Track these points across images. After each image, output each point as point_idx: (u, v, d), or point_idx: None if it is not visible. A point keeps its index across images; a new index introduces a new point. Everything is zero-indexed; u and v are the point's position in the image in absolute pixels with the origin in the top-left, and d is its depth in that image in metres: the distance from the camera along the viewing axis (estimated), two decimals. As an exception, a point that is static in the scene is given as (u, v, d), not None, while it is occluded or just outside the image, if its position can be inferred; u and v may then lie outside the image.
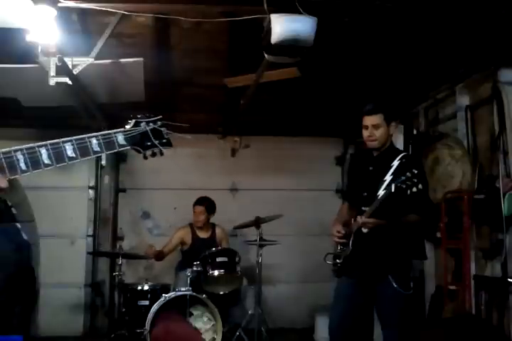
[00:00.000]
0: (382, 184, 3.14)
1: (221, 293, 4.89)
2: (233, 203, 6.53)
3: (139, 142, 2.08)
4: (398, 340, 3.25)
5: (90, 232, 6.33)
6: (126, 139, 2.03)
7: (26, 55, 3.87)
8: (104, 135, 1.98)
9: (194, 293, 4.61)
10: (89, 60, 3.96)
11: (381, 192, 3.11)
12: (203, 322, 4.71)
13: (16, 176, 1.83)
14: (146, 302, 4.69)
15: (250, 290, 5.52)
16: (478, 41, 3.88)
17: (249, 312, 5.11)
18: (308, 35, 3.18)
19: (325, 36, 3.33)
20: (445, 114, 4.96)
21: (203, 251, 4.95)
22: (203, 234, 5.55)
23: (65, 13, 3.49)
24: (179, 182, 6.44)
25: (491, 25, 3.61)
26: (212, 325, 4.69)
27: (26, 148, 1.84)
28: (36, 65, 3.95)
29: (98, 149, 1.97)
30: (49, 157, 1.87)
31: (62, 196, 6.14)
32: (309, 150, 6.63)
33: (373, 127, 3.25)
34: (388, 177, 3.15)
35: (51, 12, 3.06)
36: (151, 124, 2.10)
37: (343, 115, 5.69)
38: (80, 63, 3.96)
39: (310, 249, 6.00)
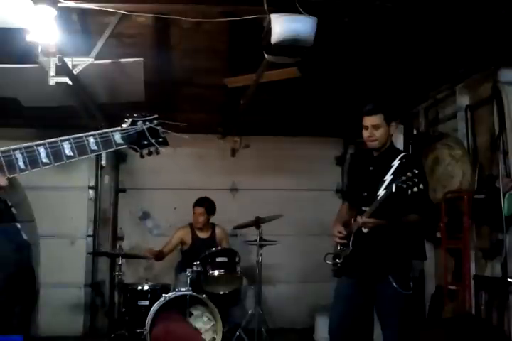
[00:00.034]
0: (383, 184, 3.14)
1: (221, 293, 4.89)
2: (233, 203, 6.53)
3: (136, 141, 2.10)
4: (398, 340, 3.25)
5: (90, 232, 6.33)
6: (123, 138, 2.05)
7: (26, 55, 3.87)
8: (101, 134, 2.00)
9: (194, 293, 4.61)
10: (89, 60, 3.96)
11: (381, 192, 3.11)
12: (203, 322, 4.71)
13: (15, 175, 1.84)
14: (146, 302, 4.68)
15: (250, 290, 5.52)
16: (478, 41, 3.88)
17: (249, 312, 5.11)
18: (308, 35, 3.18)
19: (325, 36, 3.33)
20: (445, 114, 4.96)
21: (202, 251, 4.95)
22: (202, 234, 5.55)
23: (65, 13, 3.49)
24: (179, 182, 6.44)
25: (491, 25, 3.61)
26: (212, 325, 4.69)
27: (25, 147, 1.85)
28: (36, 65, 3.95)
29: (95, 148, 1.98)
30: (47, 156, 1.88)
31: (62, 196, 6.14)
32: (309, 150, 6.63)
33: (373, 127, 3.25)
34: (388, 177, 3.15)
35: (51, 12, 3.06)
36: (147, 123, 2.12)
37: (343, 115, 5.69)
38: (80, 63, 3.96)
39: (310, 249, 6.00)
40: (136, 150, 2.11)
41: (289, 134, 6.56)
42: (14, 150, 1.83)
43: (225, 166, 6.55)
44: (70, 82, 3.95)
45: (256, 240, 5.13)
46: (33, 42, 3.40)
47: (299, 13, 3.13)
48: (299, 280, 6.53)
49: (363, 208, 3.19)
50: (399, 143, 4.93)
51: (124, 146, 2.07)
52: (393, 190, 2.96)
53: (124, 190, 6.58)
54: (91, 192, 6.40)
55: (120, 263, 4.89)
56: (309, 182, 6.65)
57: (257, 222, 5.16)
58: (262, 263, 5.13)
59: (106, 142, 2.00)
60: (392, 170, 3.18)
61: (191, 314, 4.67)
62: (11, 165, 1.82)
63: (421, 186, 2.95)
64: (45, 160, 1.87)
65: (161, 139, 2.16)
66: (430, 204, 4.35)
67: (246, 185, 6.65)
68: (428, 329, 3.93)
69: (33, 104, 4.88)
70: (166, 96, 5.38)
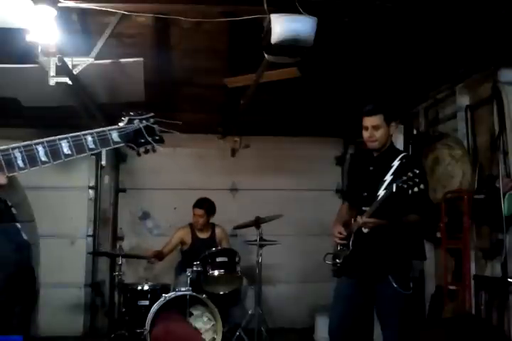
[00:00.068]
0: (383, 184, 3.14)
1: (221, 293, 4.89)
2: (233, 203, 6.53)
3: (133, 139, 2.11)
4: (398, 340, 3.25)
5: (90, 232, 6.33)
6: (120, 136, 2.06)
7: (26, 55, 3.87)
8: (98, 132, 2.01)
9: (194, 293, 4.61)
10: (89, 60, 3.96)
11: (381, 192, 3.11)
12: (203, 322, 4.71)
13: (14, 173, 1.85)
14: (146, 302, 4.68)
15: (250, 290, 5.52)
16: (478, 41, 3.88)
17: (249, 312, 5.11)
18: (308, 35, 3.18)
19: (325, 36, 3.33)
20: (445, 114, 4.96)
21: (202, 252, 4.95)
22: (202, 235, 5.55)
23: (65, 13, 3.49)
24: (179, 182, 6.44)
25: (491, 25, 3.61)
26: (212, 325, 4.69)
27: (23, 146, 1.86)
28: (36, 65, 3.95)
29: (93, 146, 2.00)
30: (46, 154, 1.89)
31: (62, 196, 6.14)
32: (309, 150, 6.63)
33: (373, 128, 3.25)
34: (388, 178, 3.15)
35: (51, 12, 3.06)
36: (144, 121, 2.13)
37: (343, 115, 5.69)
38: (80, 63, 3.96)
39: (310, 249, 6.00)
40: (133, 149, 2.12)
41: (289, 134, 6.56)
42: (13, 149, 1.84)
43: (225, 166, 6.55)
44: (70, 82, 3.95)
45: (256, 240, 5.12)
46: (33, 42, 3.40)
47: (299, 13, 3.13)
48: (299, 280, 6.53)
49: (363, 208, 3.19)
50: (399, 143, 4.92)
51: (122, 144, 2.08)
52: (394, 190, 2.96)
53: (124, 190, 6.58)
54: (91, 192, 6.40)
55: (120, 263, 4.89)
56: (309, 182, 6.65)
57: (257, 222, 5.15)
58: (262, 263, 5.13)
59: (103, 140, 2.02)
60: (392, 171, 3.18)
61: (191, 314, 4.67)
62: (10, 164, 1.83)
63: (421, 186, 2.95)
64: (43, 158, 1.89)
65: (157, 137, 2.16)
66: (430, 204, 4.35)
67: (246, 185, 6.65)
68: (428, 329, 3.93)
69: (33, 104, 4.88)
70: (166, 96, 5.38)
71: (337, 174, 6.87)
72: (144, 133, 2.12)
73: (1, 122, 5.61)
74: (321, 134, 6.60)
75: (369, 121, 3.26)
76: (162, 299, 4.52)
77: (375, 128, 3.25)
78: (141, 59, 4.15)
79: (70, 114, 5.13)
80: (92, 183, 6.40)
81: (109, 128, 2.05)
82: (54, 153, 1.90)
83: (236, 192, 6.69)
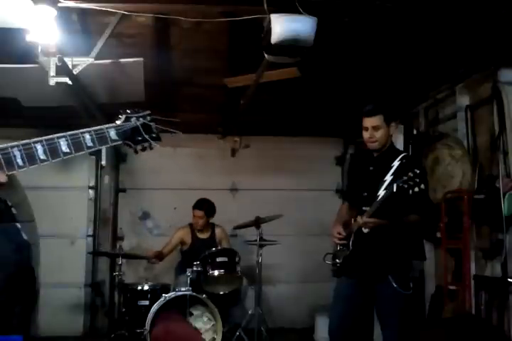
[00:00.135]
0: (383, 184, 3.14)
1: (221, 293, 4.89)
2: (233, 203, 6.54)
3: (130, 137, 2.12)
4: (398, 340, 3.25)
5: (90, 232, 6.33)
6: (118, 134, 2.08)
7: (26, 55, 3.86)
8: (96, 130, 2.02)
9: (194, 293, 4.61)
10: (89, 60, 3.96)
11: (381, 192, 3.11)
12: (203, 322, 4.71)
13: (14, 172, 1.85)
14: (146, 302, 4.68)
15: (250, 290, 5.52)
16: (478, 41, 3.88)
17: (249, 312, 5.11)
18: (308, 35, 3.18)
19: (325, 36, 3.33)
20: (445, 114, 4.96)
21: (202, 252, 4.95)
22: (202, 235, 5.55)
23: (65, 13, 3.49)
24: (179, 182, 6.44)
25: (491, 25, 3.61)
26: (212, 325, 4.69)
27: (22, 144, 1.87)
28: (36, 65, 3.95)
29: (91, 144, 2.01)
30: (44, 152, 1.90)
31: (62, 196, 6.14)
32: (309, 150, 6.64)
33: (373, 129, 3.25)
34: (389, 178, 3.15)
35: (51, 12, 3.06)
36: (141, 119, 2.14)
37: (343, 115, 5.69)
38: (80, 63, 3.96)
39: (310, 249, 6.00)
40: (130, 146, 2.14)
41: (289, 134, 6.56)
42: (12, 147, 1.85)
43: (225, 166, 6.56)
44: (70, 82, 3.95)
45: (256, 240, 5.13)
46: (33, 42, 3.40)
47: (299, 13, 3.13)
48: (299, 280, 6.54)
49: (364, 208, 3.19)
50: (399, 143, 4.92)
51: (119, 142, 2.09)
52: (394, 190, 2.95)
53: (124, 190, 6.58)
54: (91, 192, 6.40)
55: (120, 263, 4.89)
56: (309, 182, 6.65)
57: (257, 222, 5.16)
58: (262, 263, 5.13)
59: (101, 138, 2.03)
60: (392, 171, 3.18)
61: (191, 314, 4.67)
62: (10, 163, 1.84)
63: (422, 186, 2.95)
64: (42, 156, 1.90)
65: (154, 135, 2.18)
66: (430, 205, 4.35)
67: (246, 185, 6.65)
68: (428, 329, 3.93)
69: (33, 104, 4.88)
70: (166, 96, 5.38)
71: (337, 174, 6.87)
72: (141, 130, 2.13)
73: (1, 122, 5.61)
74: (321, 134, 6.60)
75: (369, 122, 3.26)
76: (162, 299, 4.52)
77: (375, 128, 3.25)
78: (141, 59, 4.15)
79: (70, 114, 5.13)
80: (92, 183, 6.40)
81: (107, 126, 2.06)
82: (53, 151, 1.92)
83: (236, 192, 6.69)
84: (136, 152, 2.17)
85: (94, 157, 6.30)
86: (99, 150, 5.79)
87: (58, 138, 1.94)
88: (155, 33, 4.28)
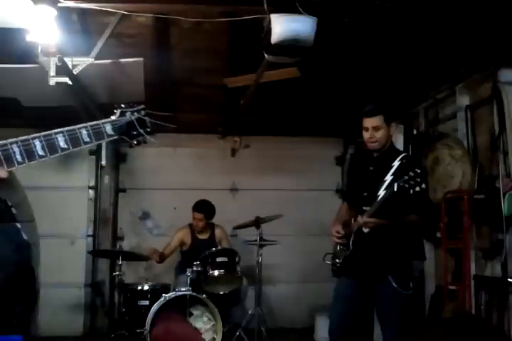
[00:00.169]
0: (383, 184, 3.14)
1: (221, 293, 4.89)
2: (233, 203, 6.54)
3: (126, 131, 2.15)
4: (398, 340, 3.25)
5: (90, 232, 6.33)
6: (113, 129, 2.10)
7: (26, 55, 3.87)
8: (93, 125, 2.05)
9: (194, 293, 4.61)
10: (89, 60, 3.96)
11: (382, 192, 3.10)
12: (203, 322, 4.71)
13: (13, 168, 1.87)
14: (146, 302, 4.68)
15: (250, 290, 5.52)
16: (478, 41, 3.88)
17: (249, 312, 5.11)
18: (308, 35, 3.18)
19: (325, 36, 3.33)
20: (445, 114, 4.96)
21: (202, 252, 4.95)
22: (202, 235, 5.55)
23: (65, 13, 3.49)
24: (179, 182, 6.44)
25: (491, 25, 3.61)
26: (212, 325, 4.69)
27: (21, 141, 1.90)
28: (36, 65, 3.95)
29: (88, 140, 2.03)
30: (43, 148, 1.92)
31: (62, 196, 6.13)
32: (309, 150, 6.64)
33: (374, 129, 3.25)
34: (389, 178, 3.15)
35: (51, 12, 3.06)
36: (135, 113, 2.16)
37: (343, 115, 5.69)
38: (80, 63, 3.96)
39: (310, 249, 5.99)
40: (126, 141, 2.15)
41: (289, 134, 6.56)
42: (11, 143, 1.87)
43: (225, 166, 6.55)
44: (70, 82, 3.95)
45: (256, 240, 5.13)
46: (33, 42, 3.40)
47: (299, 13, 3.13)
48: (299, 280, 6.53)
49: (364, 208, 3.19)
50: (399, 143, 4.92)
51: (115, 137, 2.12)
52: (395, 190, 2.95)
53: (124, 190, 6.58)
54: (91, 192, 6.40)
55: (120, 263, 4.89)
56: (309, 182, 6.65)
57: (257, 222, 5.16)
58: (262, 263, 5.14)
59: (98, 133, 2.06)
60: (392, 171, 3.18)
61: (191, 314, 4.67)
62: (9, 159, 1.86)
63: (423, 186, 2.94)
64: (41, 152, 1.92)
65: (148, 129, 2.20)
66: (431, 204, 4.35)
67: (246, 185, 6.65)
68: (428, 329, 3.93)
69: (33, 104, 4.88)
70: (166, 96, 5.38)
71: (337, 174, 6.87)
72: (136, 125, 2.15)
73: (1, 122, 5.61)
74: (321, 134, 6.60)
75: (369, 122, 3.26)
76: (162, 299, 4.52)
77: (376, 129, 3.24)
78: (141, 59, 4.15)
79: (70, 114, 5.11)
80: (92, 183, 6.40)
81: (103, 121, 2.09)
82: (51, 147, 1.94)
83: (236, 192, 6.69)
84: (131, 146, 2.21)
85: (94, 157, 6.31)
86: (99, 150, 5.81)
87: (56, 133, 1.96)
88: (155, 33, 4.29)
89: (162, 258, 5.35)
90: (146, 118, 2.18)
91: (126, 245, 6.09)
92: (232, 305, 5.20)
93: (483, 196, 4.10)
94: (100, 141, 2.08)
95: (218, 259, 4.90)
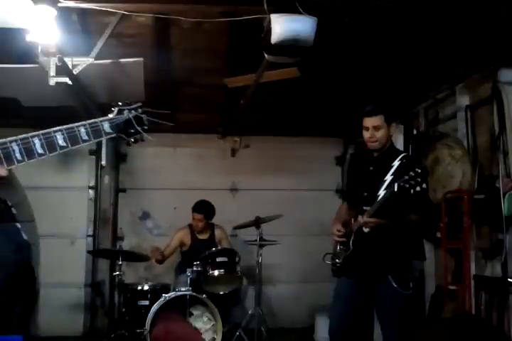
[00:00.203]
0: (383, 184, 3.14)
1: (221, 293, 4.89)
2: (233, 203, 6.54)
3: (124, 129, 2.15)
4: (398, 340, 3.25)
5: (90, 232, 6.33)
6: (111, 127, 2.11)
7: (26, 55, 3.87)
8: (91, 123, 2.06)
9: (194, 293, 4.61)
10: (89, 60, 3.96)
11: (382, 192, 3.10)
12: (203, 322, 4.71)
13: (13, 166, 1.88)
14: (146, 302, 4.68)
15: (250, 290, 5.52)
16: (478, 41, 3.88)
17: (249, 312, 5.11)
18: (308, 35, 3.18)
19: (325, 36, 3.33)
20: (445, 114, 4.96)
21: (202, 252, 4.94)
22: (202, 236, 5.55)
23: (65, 13, 3.49)
24: (179, 182, 6.44)
25: (491, 25, 3.61)
26: (212, 325, 4.69)
27: (20, 139, 1.91)
28: (36, 65, 3.95)
29: (86, 138, 2.04)
30: (42, 146, 1.93)
31: (62, 196, 6.13)
32: (309, 150, 6.64)
33: (374, 128, 3.25)
34: (389, 177, 3.15)
35: (51, 12, 3.06)
36: (133, 111, 2.17)
37: (343, 115, 5.69)
38: (80, 63, 3.96)
39: (310, 249, 5.99)
40: (124, 139, 2.16)
41: (289, 134, 6.56)
42: (10, 142, 1.88)
43: (225, 166, 6.55)
44: (70, 82, 3.95)
45: (256, 240, 5.13)
46: (33, 42, 3.40)
47: (299, 13, 3.13)
48: (299, 280, 6.53)
49: (364, 208, 3.19)
50: (399, 143, 4.92)
51: (113, 135, 2.13)
52: (395, 190, 2.95)
53: (124, 190, 6.58)
54: (91, 192, 6.40)
55: (120, 263, 4.89)
56: (309, 182, 6.65)
57: (257, 222, 5.16)
58: (262, 263, 5.14)
59: (96, 131, 2.07)
60: (392, 171, 3.18)
61: (191, 314, 4.67)
62: (9, 157, 1.87)
63: (423, 185, 2.94)
64: (40, 151, 1.93)
65: (146, 127, 2.21)
66: (431, 204, 4.35)
67: (246, 185, 6.65)
68: (428, 329, 3.93)
69: (33, 104, 4.88)
70: (166, 96, 5.38)
71: (337, 174, 6.87)
72: (134, 123, 2.16)
73: (1, 122, 5.60)
74: (321, 134, 6.60)
75: (370, 122, 3.26)
76: (162, 299, 4.52)
77: (376, 128, 3.24)
78: (141, 59, 4.15)
79: (70, 114, 5.10)
80: (92, 183, 6.40)
81: (101, 119, 2.10)
82: (50, 145, 1.95)
83: (236, 192, 6.69)
84: (128, 144, 2.22)
85: (94, 157, 6.31)
86: (99, 150, 5.81)
87: (55, 132, 1.97)
88: (155, 33, 4.29)
89: (162, 258, 5.34)
90: (143, 116, 2.19)
91: (126, 245, 6.10)
92: (232, 305, 5.20)
93: (483, 196, 4.10)
94: (98, 139, 2.09)
95: (218, 259, 4.90)
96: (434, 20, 3.64)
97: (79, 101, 4.82)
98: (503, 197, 3.84)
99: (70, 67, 3.91)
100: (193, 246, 5.49)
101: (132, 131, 2.17)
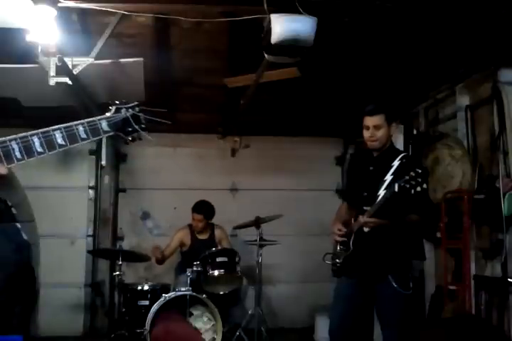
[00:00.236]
0: (383, 184, 3.14)
1: (221, 293, 4.88)
2: (233, 203, 6.53)
3: (121, 128, 2.18)
4: (398, 340, 3.24)
5: (90, 232, 6.33)
6: (109, 125, 2.13)
7: (26, 55, 3.87)
8: (89, 122, 2.09)
9: (194, 293, 4.61)
10: (89, 60, 3.97)
11: (382, 192, 3.10)
12: (203, 322, 4.71)
13: (12, 165, 1.90)
14: (146, 302, 4.68)
15: (250, 290, 5.52)
16: (478, 41, 3.88)
17: (249, 312, 5.11)
18: (308, 35, 3.18)
19: (325, 36, 3.33)
20: (445, 114, 4.96)
21: (202, 252, 4.94)
22: (202, 236, 5.55)
23: (65, 13, 3.49)
24: (179, 182, 6.44)
25: (491, 25, 3.61)
26: (212, 325, 4.69)
27: (20, 138, 1.93)
28: (36, 65, 3.95)
29: (85, 136, 2.07)
30: (41, 145, 1.95)
31: (62, 196, 6.13)
32: (309, 150, 6.64)
33: (375, 128, 3.25)
34: (389, 177, 3.15)
35: (51, 12, 3.07)
36: (130, 110, 2.20)
37: (343, 115, 5.69)
38: (80, 63, 3.96)
39: (310, 249, 5.99)
40: (122, 138, 2.18)
41: (289, 134, 6.56)
42: (10, 140, 1.91)
43: (225, 166, 6.55)
44: (70, 82, 3.95)
45: (256, 240, 5.12)
46: (33, 42, 3.41)
47: (299, 13, 3.14)
48: (299, 280, 6.53)
49: (365, 208, 3.18)
50: (399, 143, 4.92)
51: (111, 133, 2.15)
52: (396, 190, 2.95)
53: (124, 190, 6.58)
54: (91, 192, 6.40)
55: (120, 263, 4.89)
56: (309, 182, 6.65)
57: (257, 222, 5.15)
58: (262, 263, 5.13)
59: (94, 130, 2.09)
60: (392, 170, 3.18)
61: (191, 314, 4.67)
62: (8, 156, 1.89)
63: (424, 186, 2.94)
64: (39, 149, 1.95)
65: (143, 125, 2.22)
66: (431, 204, 4.35)
67: (246, 185, 6.65)
68: (428, 329, 3.93)
69: (33, 104, 4.88)
70: (166, 96, 5.38)
71: (337, 174, 6.87)
72: (132, 121, 2.17)
73: (1, 122, 5.60)
74: (321, 134, 6.60)
75: (370, 121, 3.26)
76: (162, 299, 4.52)
77: (377, 127, 3.24)
78: (141, 59, 4.15)
79: (70, 114, 5.10)
80: (92, 183, 6.40)
81: (99, 117, 2.13)
82: (49, 143, 1.97)
83: (236, 192, 6.69)
84: (126, 143, 2.24)
85: (94, 157, 6.31)
86: (99, 150, 5.81)
87: (53, 130, 1.99)
88: (155, 33, 4.29)
89: (162, 259, 5.34)
90: (140, 114, 2.21)
91: (126, 245, 6.10)
92: (232, 305, 5.20)
93: (483, 196, 4.10)
94: (97, 138, 2.11)
95: (218, 259, 4.89)
96: (434, 20, 3.64)
97: (79, 101, 4.82)
98: (503, 197, 3.84)
99: (70, 67, 3.91)
100: (193, 246, 5.48)
101: (130, 129, 2.19)
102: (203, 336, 4.61)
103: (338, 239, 3.32)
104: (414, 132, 5.28)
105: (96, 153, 6.20)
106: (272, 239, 5.22)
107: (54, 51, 3.65)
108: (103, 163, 5.61)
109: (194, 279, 4.81)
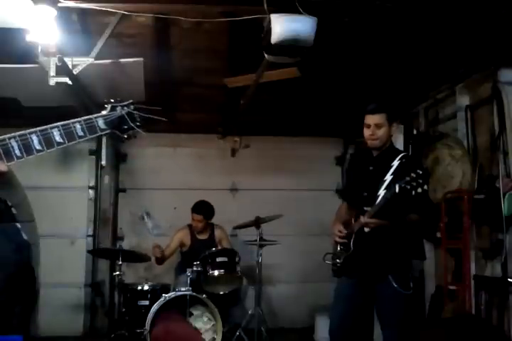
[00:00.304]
0: (383, 184, 3.14)
1: (221, 293, 4.88)
2: (233, 203, 6.53)
3: (117, 126, 2.22)
4: (398, 340, 3.25)
5: (90, 232, 6.33)
6: (106, 123, 2.18)
7: (26, 55, 3.87)
8: (86, 120, 2.13)
9: (194, 293, 4.61)
10: (89, 60, 3.97)
11: (381, 192, 3.10)
12: (203, 322, 4.71)
13: (12, 162, 1.92)
14: (146, 302, 4.68)
15: (250, 290, 5.52)
16: (478, 41, 3.88)
17: (249, 312, 5.11)
18: (308, 35, 3.18)
19: (325, 36, 3.33)
20: (445, 114, 4.96)
21: (202, 252, 4.94)
22: (202, 236, 5.54)
23: (65, 13, 3.49)
24: (179, 182, 6.44)
25: (491, 25, 3.61)
26: (212, 325, 4.69)
27: (19, 135, 1.95)
28: (36, 65, 3.95)
29: (82, 134, 2.11)
30: (40, 143, 1.98)
31: (62, 196, 6.13)
32: (309, 150, 6.64)
33: (376, 126, 3.25)
34: (388, 177, 3.15)
35: (51, 12, 3.07)
36: (125, 108, 2.24)
37: (343, 115, 5.69)
38: (80, 63, 3.96)
39: (310, 249, 5.99)
40: (118, 135, 2.23)
41: (289, 134, 6.56)
42: (9, 138, 1.92)
43: (225, 166, 6.56)
44: (70, 82, 3.95)
45: (256, 240, 5.12)
46: (33, 42, 3.41)
47: (299, 13, 3.14)
48: (299, 280, 6.53)
49: (365, 208, 3.18)
50: (399, 143, 4.92)
51: (108, 131, 2.19)
52: (396, 191, 2.95)
53: (124, 190, 6.58)
54: (91, 192, 6.40)
55: (120, 263, 4.89)
56: (309, 182, 6.65)
57: (257, 222, 5.15)
58: (262, 263, 5.13)
59: (91, 128, 2.13)
60: (392, 170, 3.18)
61: (191, 314, 4.67)
62: (8, 153, 1.92)
63: (425, 187, 2.94)
64: (38, 147, 1.98)
65: (138, 123, 2.26)
66: (431, 205, 4.35)
67: (246, 185, 6.65)
68: (428, 329, 3.93)
69: (33, 104, 4.88)
70: (166, 96, 5.38)
71: (337, 174, 6.86)
72: (127, 119, 2.22)
73: (1, 122, 5.59)
74: (321, 134, 6.60)
75: (372, 120, 3.26)
76: (162, 299, 4.52)
77: (378, 126, 3.24)
78: (141, 59, 4.15)
79: (70, 114, 5.07)
80: (92, 183, 6.40)
81: (95, 115, 2.17)
82: (47, 141, 2.00)
83: (236, 192, 6.69)
84: (122, 141, 2.27)
85: (94, 157, 6.31)
86: (99, 150, 5.81)
87: (51, 128, 2.02)
88: (155, 33, 4.29)
89: (162, 258, 5.34)
90: (135, 112, 2.24)
91: (126, 245, 6.10)
92: (232, 305, 5.20)
93: (483, 196, 4.10)
94: (93, 135, 2.14)
95: (218, 259, 4.89)
96: (434, 20, 3.64)
97: (79, 101, 4.82)
98: (503, 197, 3.84)
99: (70, 67, 3.91)
100: (192, 246, 5.48)
101: (125, 127, 2.23)
102: (203, 336, 4.61)
103: (339, 240, 3.32)
104: (414, 132, 5.28)
105: (96, 153, 6.20)
106: (272, 239, 5.22)
107: (54, 51, 3.65)
108: (103, 163, 5.60)
109: (194, 279, 4.81)
